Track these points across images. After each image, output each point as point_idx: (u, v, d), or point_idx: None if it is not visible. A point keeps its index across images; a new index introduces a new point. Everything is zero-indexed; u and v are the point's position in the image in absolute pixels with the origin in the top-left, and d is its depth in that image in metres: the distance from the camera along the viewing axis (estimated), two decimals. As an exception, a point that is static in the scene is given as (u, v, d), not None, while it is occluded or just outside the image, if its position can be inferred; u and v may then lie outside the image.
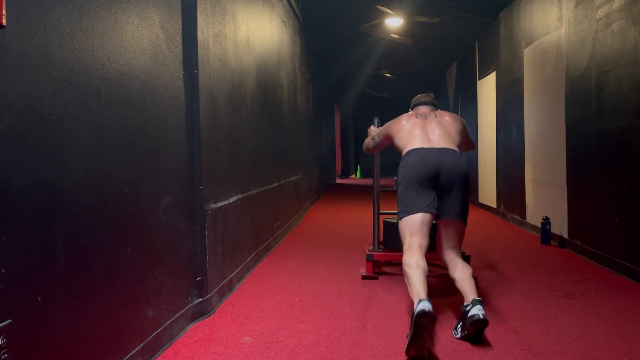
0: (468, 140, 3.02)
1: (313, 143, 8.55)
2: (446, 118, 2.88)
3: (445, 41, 8.79)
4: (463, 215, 2.68)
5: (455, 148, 2.75)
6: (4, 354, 1.29)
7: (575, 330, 2.45)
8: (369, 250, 3.58)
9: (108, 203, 1.83)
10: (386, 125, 3.08)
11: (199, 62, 2.67)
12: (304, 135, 7.32)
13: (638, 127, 3.27)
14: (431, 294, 2.35)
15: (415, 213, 2.61)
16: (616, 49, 3.51)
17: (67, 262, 1.58)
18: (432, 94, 3.06)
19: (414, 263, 2.41)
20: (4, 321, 1.31)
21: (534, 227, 5.25)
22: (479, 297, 2.37)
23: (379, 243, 3.67)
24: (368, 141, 3.36)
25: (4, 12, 1.28)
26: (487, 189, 7.41)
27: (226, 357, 2.17)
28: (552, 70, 4.77)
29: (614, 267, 3.55)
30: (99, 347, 1.75)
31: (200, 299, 2.66)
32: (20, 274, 1.37)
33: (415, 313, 2.06)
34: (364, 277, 3.46)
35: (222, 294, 2.96)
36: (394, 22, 7.45)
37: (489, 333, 2.40)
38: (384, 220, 3.72)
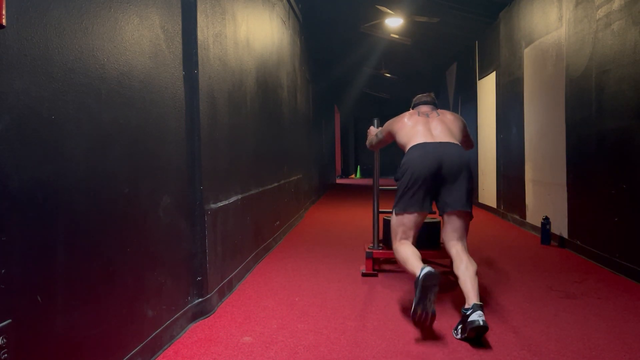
0: (468, 139, 3.08)
1: (313, 143, 8.55)
2: (448, 116, 2.96)
3: (445, 41, 8.79)
4: (468, 205, 2.70)
5: (457, 142, 2.82)
6: (4, 354, 1.29)
7: (575, 330, 2.45)
8: (368, 248, 3.65)
9: (108, 203, 1.83)
10: (388, 122, 3.12)
11: (199, 62, 2.67)
12: (304, 135, 7.32)
13: (638, 127, 3.27)
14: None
15: (410, 212, 2.72)
16: (616, 49, 3.51)
17: (67, 262, 1.58)
18: (432, 94, 3.11)
19: (408, 248, 2.64)
20: (4, 321, 1.31)
21: (534, 227, 5.25)
22: (480, 300, 2.36)
23: (379, 241, 3.75)
24: (371, 138, 3.42)
25: (4, 12, 1.28)
26: (487, 189, 7.41)
27: (226, 357, 2.17)
28: (552, 70, 4.77)
29: (614, 267, 3.55)
30: (99, 347, 1.75)
31: (200, 299, 2.66)
32: (20, 274, 1.37)
33: (421, 276, 2.28)
34: (363, 275, 3.53)
35: (222, 294, 2.96)
36: (394, 22, 7.45)
37: (489, 333, 2.40)
38: (384, 219, 3.76)
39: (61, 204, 1.56)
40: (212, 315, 2.70)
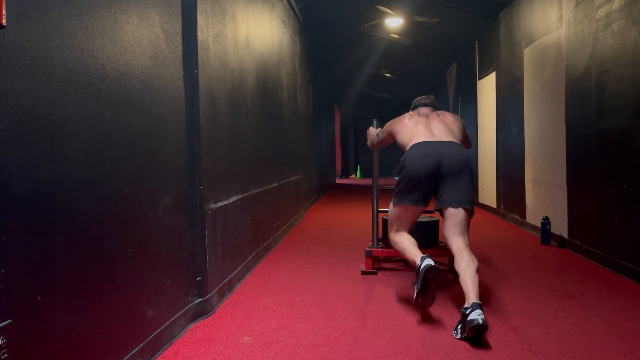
0: (467, 140, 3.12)
1: (313, 143, 8.55)
2: (448, 117, 3.03)
3: (445, 41, 8.79)
4: (467, 202, 2.73)
5: (457, 141, 2.87)
6: (4, 354, 1.29)
7: (575, 330, 2.45)
8: (368, 246, 3.69)
9: (108, 203, 1.83)
10: (389, 123, 3.17)
11: (199, 62, 2.67)
12: (304, 135, 7.32)
13: (638, 127, 3.27)
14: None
15: (409, 204, 2.84)
16: (616, 49, 3.51)
17: (67, 262, 1.58)
18: (432, 96, 3.17)
19: (405, 238, 2.81)
20: (4, 321, 1.31)
21: (534, 227, 5.25)
22: (479, 299, 2.36)
23: (378, 240, 3.79)
24: (373, 138, 3.47)
25: (4, 12, 1.28)
26: (487, 189, 7.41)
27: (226, 357, 2.17)
28: (552, 70, 4.77)
29: (614, 267, 3.55)
30: (99, 347, 1.75)
31: (200, 299, 2.66)
32: (20, 274, 1.37)
33: (423, 269, 2.45)
34: (363, 273, 3.58)
35: (222, 294, 2.96)
36: (394, 22, 7.46)
37: (489, 333, 2.40)
38: (383, 218, 3.78)
39: (61, 204, 1.56)
40: (212, 315, 2.70)
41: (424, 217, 3.76)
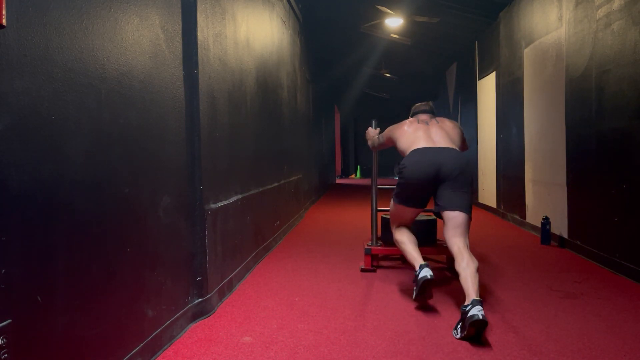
0: (464, 144, 3.22)
1: (313, 143, 8.55)
2: (447, 123, 3.10)
3: (445, 41, 8.79)
4: (464, 207, 2.79)
5: (456, 148, 2.94)
6: (4, 354, 1.29)
7: (575, 330, 2.45)
8: (367, 245, 3.76)
9: (108, 203, 1.83)
10: (389, 128, 3.27)
11: (199, 62, 2.67)
12: (304, 135, 7.32)
13: (638, 127, 3.27)
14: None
15: (407, 206, 3.01)
16: (616, 49, 3.51)
17: (67, 262, 1.58)
18: (430, 103, 3.27)
19: (406, 239, 3.00)
20: (4, 321, 1.31)
21: (534, 227, 5.25)
22: (479, 297, 2.38)
23: (377, 238, 3.87)
24: (374, 140, 3.58)
25: (4, 12, 1.28)
26: (487, 189, 7.41)
27: (226, 357, 2.17)
28: (552, 70, 4.77)
29: (614, 267, 3.55)
30: (99, 347, 1.75)
31: (200, 299, 2.66)
32: (20, 274, 1.37)
33: (420, 280, 2.66)
34: (362, 270, 3.65)
35: (222, 294, 2.96)
36: (394, 22, 7.46)
37: (489, 333, 2.40)
38: (382, 217, 3.88)
39: (61, 204, 1.56)
40: (212, 315, 2.70)
41: (422, 216, 3.86)
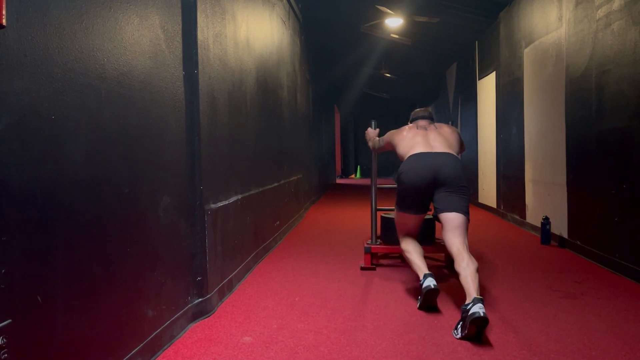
0: (462, 147, 3.27)
1: (313, 143, 8.55)
2: (445, 129, 3.16)
3: (445, 41, 8.79)
4: (462, 209, 2.83)
5: (454, 153, 3.01)
6: (4, 354, 1.29)
7: (575, 330, 2.45)
8: (367, 243, 3.84)
9: (108, 203, 1.83)
10: (389, 133, 3.35)
11: (199, 62, 2.67)
12: (304, 135, 7.32)
13: (638, 127, 3.27)
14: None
15: (409, 213, 3.04)
16: (616, 49, 3.51)
17: (67, 262, 1.58)
18: (429, 109, 3.40)
19: (411, 248, 3.02)
20: (4, 321, 1.31)
21: (534, 227, 5.25)
22: (480, 295, 2.39)
23: (377, 237, 3.96)
24: (374, 141, 3.65)
25: (4, 12, 1.28)
26: (487, 189, 7.41)
27: (226, 357, 2.17)
28: (552, 70, 4.77)
29: (614, 267, 3.55)
30: (99, 347, 1.75)
31: (200, 299, 2.66)
32: (20, 274, 1.37)
33: (424, 289, 2.67)
34: (362, 268, 3.72)
35: (222, 294, 2.96)
36: (394, 22, 7.46)
37: (489, 333, 2.40)
38: (382, 216, 3.98)
39: (61, 204, 1.56)
40: (212, 315, 2.70)
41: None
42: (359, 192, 11.10)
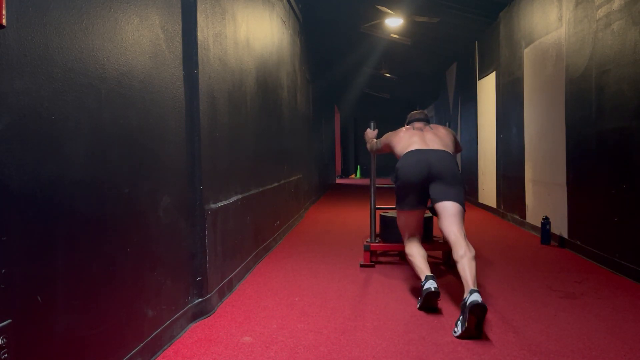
0: (457, 147, 3.39)
1: (313, 143, 8.55)
2: (440, 130, 3.28)
3: (445, 41, 8.79)
4: (457, 198, 2.92)
5: (448, 150, 3.12)
6: (4, 354, 1.29)
7: (575, 330, 2.45)
8: (366, 241, 3.95)
9: (108, 203, 1.83)
10: (387, 135, 3.45)
11: (199, 62, 2.67)
12: (304, 135, 7.32)
13: (638, 127, 3.27)
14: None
15: (409, 209, 3.09)
16: (616, 49, 3.51)
17: (67, 262, 1.58)
18: (425, 111, 3.47)
19: (415, 252, 3.04)
20: (4, 321, 1.31)
21: (534, 227, 5.25)
22: (476, 286, 2.45)
23: (376, 235, 4.05)
24: (373, 143, 3.75)
25: (4, 12, 1.28)
26: (487, 189, 7.41)
27: (226, 357, 2.17)
28: (552, 70, 4.77)
29: (614, 267, 3.55)
30: (99, 347, 1.75)
31: (200, 299, 2.66)
32: (20, 274, 1.37)
33: (425, 291, 2.68)
34: (361, 266, 3.80)
35: (222, 294, 2.96)
36: (394, 22, 7.46)
37: (489, 333, 2.40)
38: (380, 215, 4.07)
39: (61, 204, 1.56)
40: (212, 315, 2.70)
41: None
42: (359, 192, 11.10)
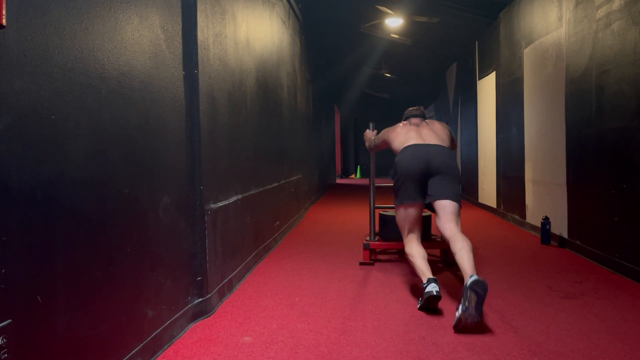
0: (453, 143, 3.41)
1: (313, 143, 8.55)
2: (436, 125, 3.34)
3: (445, 41, 8.79)
4: (454, 196, 2.97)
5: (445, 145, 3.17)
6: (4, 354, 1.29)
7: (575, 330, 2.45)
8: (365, 240, 4.00)
9: (108, 203, 1.83)
10: (384, 131, 3.50)
11: (199, 62, 2.67)
12: (304, 135, 7.32)
13: (638, 127, 3.27)
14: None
15: (408, 202, 3.09)
16: (616, 49, 3.51)
17: (67, 262, 1.58)
18: (421, 108, 3.53)
19: (415, 252, 3.02)
20: (4, 321, 1.31)
21: (534, 227, 5.25)
22: (475, 273, 2.51)
23: (375, 234, 4.09)
24: (371, 141, 3.80)
25: (4, 12, 1.28)
26: (487, 189, 7.41)
27: (226, 357, 2.17)
28: (552, 70, 4.77)
29: (614, 267, 3.55)
30: (99, 347, 1.75)
31: (200, 299, 2.66)
32: (20, 274, 1.37)
33: (426, 295, 2.66)
34: (361, 264, 3.86)
35: (222, 294, 2.96)
36: (394, 22, 7.46)
37: (489, 333, 2.40)
38: (380, 214, 4.12)
39: (61, 204, 1.56)
40: (212, 315, 2.70)
41: None
42: (359, 192, 11.10)
